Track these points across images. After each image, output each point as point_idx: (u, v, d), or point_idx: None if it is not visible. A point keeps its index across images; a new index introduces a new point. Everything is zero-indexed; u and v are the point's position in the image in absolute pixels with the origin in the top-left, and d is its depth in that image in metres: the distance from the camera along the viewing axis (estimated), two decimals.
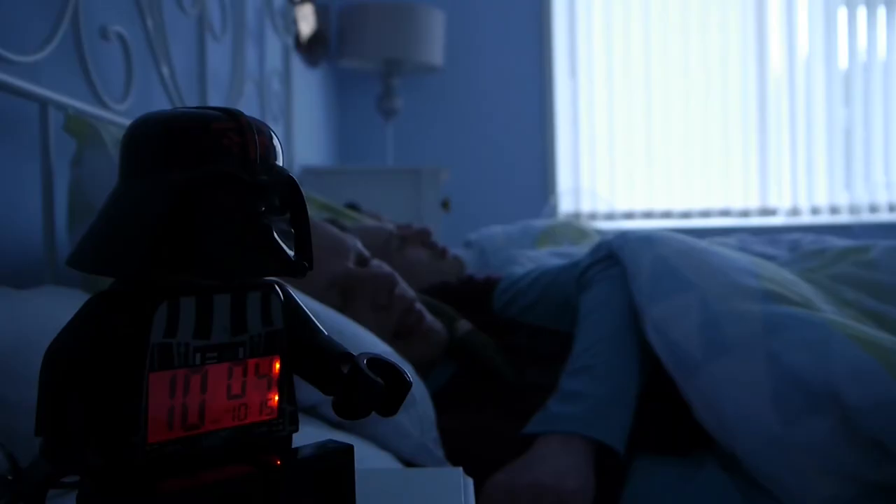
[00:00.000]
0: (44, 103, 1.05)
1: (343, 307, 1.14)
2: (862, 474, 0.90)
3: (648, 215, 3.77)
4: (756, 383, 0.95)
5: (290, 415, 0.41)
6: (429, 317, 1.20)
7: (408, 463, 0.93)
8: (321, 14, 3.02)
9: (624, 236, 1.19)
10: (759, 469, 0.94)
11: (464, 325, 1.23)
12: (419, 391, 0.99)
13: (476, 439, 1.06)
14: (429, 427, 0.97)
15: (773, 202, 3.80)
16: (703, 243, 1.19)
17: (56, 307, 0.75)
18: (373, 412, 0.40)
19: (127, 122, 1.22)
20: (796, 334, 0.96)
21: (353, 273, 1.15)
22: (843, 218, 3.79)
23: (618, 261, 1.18)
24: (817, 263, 1.34)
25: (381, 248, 1.52)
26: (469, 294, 1.36)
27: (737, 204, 3.79)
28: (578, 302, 1.19)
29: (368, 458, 0.82)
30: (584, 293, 1.18)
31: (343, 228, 1.30)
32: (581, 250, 1.81)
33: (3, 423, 0.58)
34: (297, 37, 2.66)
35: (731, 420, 0.96)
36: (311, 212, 1.73)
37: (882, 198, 3.84)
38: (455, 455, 1.00)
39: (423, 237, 1.65)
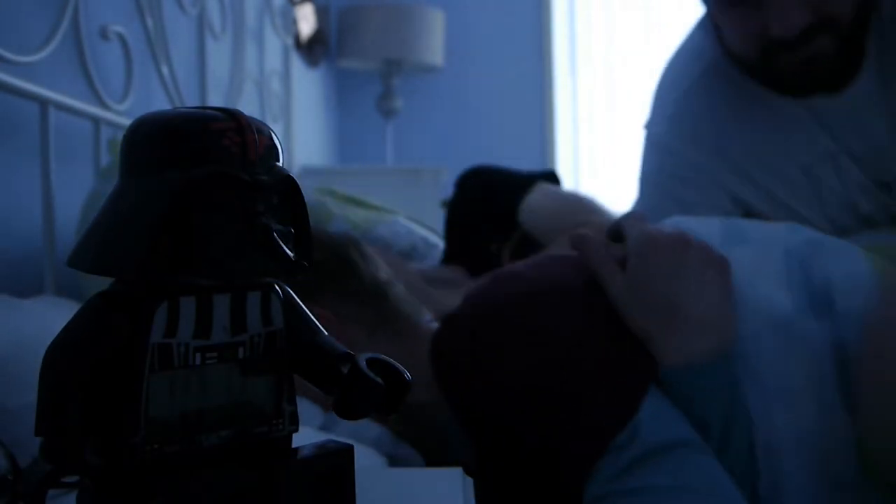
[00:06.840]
0: (44, 103, 1.05)
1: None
2: None
3: None
4: None
5: (290, 415, 0.41)
6: None
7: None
8: (321, 14, 3.02)
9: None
10: None
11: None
12: None
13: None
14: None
15: None
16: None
17: (56, 318, 0.75)
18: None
19: (127, 122, 1.22)
20: None
21: None
22: None
23: None
24: None
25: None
26: None
27: None
28: None
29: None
30: None
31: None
32: None
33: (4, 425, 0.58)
34: (297, 37, 2.66)
35: None
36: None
37: None
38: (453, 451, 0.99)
39: None
